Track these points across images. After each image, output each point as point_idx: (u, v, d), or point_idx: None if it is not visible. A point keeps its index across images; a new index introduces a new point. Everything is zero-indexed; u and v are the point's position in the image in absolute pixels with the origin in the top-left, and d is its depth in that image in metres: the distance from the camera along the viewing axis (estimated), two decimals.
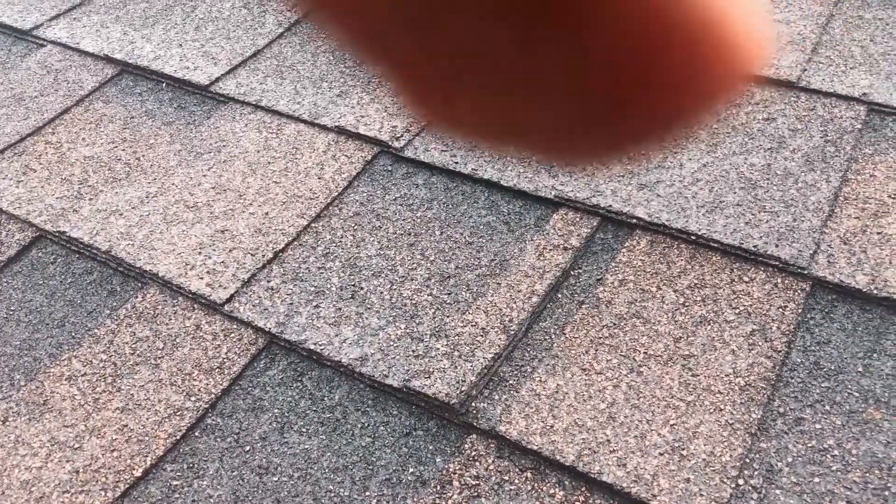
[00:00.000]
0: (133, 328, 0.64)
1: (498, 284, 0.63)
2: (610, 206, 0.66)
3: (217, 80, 0.87)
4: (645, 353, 0.56)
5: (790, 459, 0.50)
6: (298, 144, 0.78)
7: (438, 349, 0.59)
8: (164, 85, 0.89)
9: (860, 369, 0.54)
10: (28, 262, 0.72)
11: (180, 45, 0.93)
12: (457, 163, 0.73)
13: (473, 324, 0.60)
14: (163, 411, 0.58)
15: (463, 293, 0.63)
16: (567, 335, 0.58)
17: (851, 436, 0.51)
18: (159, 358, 0.61)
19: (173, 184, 0.76)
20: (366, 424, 0.56)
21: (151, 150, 0.80)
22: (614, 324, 0.59)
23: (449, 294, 0.63)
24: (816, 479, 0.49)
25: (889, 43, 0.78)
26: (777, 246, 0.61)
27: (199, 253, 0.68)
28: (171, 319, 0.64)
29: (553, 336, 0.59)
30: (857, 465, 0.49)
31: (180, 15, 0.98)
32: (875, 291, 0.57)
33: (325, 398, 0.57)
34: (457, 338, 0.59)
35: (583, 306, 0.60)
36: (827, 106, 0.73)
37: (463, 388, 0.55)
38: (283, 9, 0.96)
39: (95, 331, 0.65)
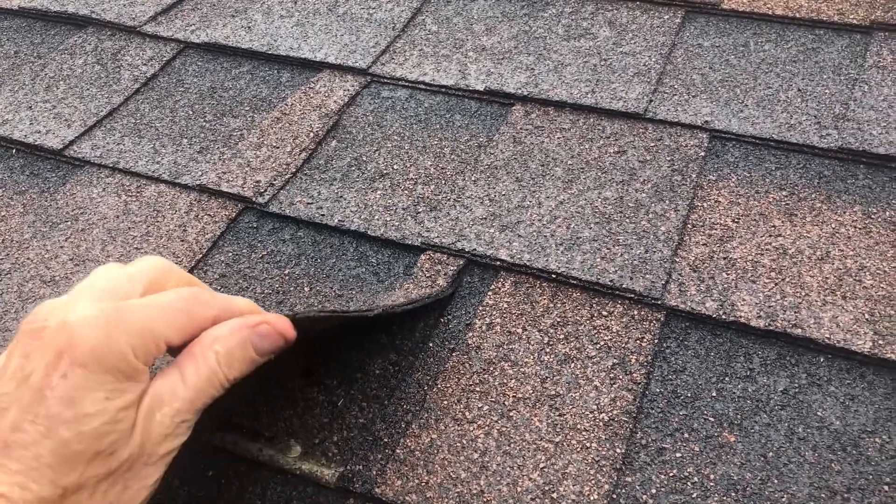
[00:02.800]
0: None
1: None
2: (474, 249, 0.68)
3: (71, 143, 0.84)
4: (514, 396, 0.58)
5: (654, 491, 0.52)
6: (159, 207, 0.76)
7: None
8: (14, 151, 0.85)
9: (714, 394, 0.57)
10: None
11: (30, 107, 0.89)
12: (323, 215, 0.73)
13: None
14: None
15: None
16: (439, 386, 0.59)
17: (709, 461, 0.53)
18: None
19: (28, 258, 0.73)
20: (241, 499, 0.55)
21: (3, 223, 0.77)
22: (484, 369, 0.60)
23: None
24: None
25: (726, 70, 0.83)
26: (632, 278, 0.64)
27: None
28: None
29: (426, 388, 0.59)
30: (714, 489, 0.52)
31: (28, 74, 0.95)
32: (724, 316, 0.61)
33: None
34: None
35: (453, 354, 0.61)
36: (673, 135, 0.76)
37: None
38: (139, 63, 0.94)
39: None
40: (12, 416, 0.42)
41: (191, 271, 0.70)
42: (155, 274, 0.50)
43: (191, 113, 0.87)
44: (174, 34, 0.97)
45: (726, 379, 0.58)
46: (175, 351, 0.48)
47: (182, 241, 0.72)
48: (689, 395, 0.57)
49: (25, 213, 0.78)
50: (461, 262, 0.67)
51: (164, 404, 0.45)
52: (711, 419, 0.56)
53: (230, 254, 0.71)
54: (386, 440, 0.56)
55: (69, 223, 0.76)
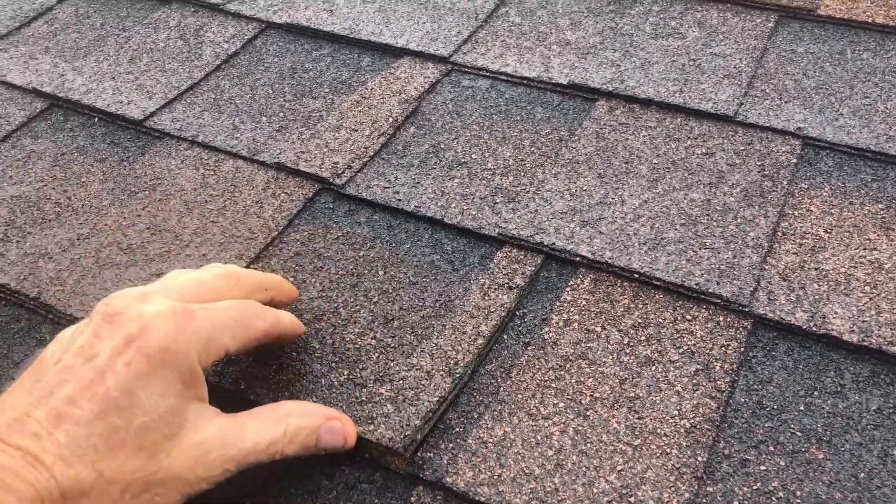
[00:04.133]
0: None
1: (443, 326, 0.62)
2: (553, 243, 0.66)
3: (152, 114, 0.85)
4: (591, 395, 0.56)
5: (736, 503, 0.50)
6: (237, 182, 0.76)
7: (382, 394, 0.57)
8: (96, 120, 0.86)
9: (802, 408, 0.55)
10: None
11: (113, 77, 0.90)
12: (399, 200, 0.72)
13: (418, 367, 0.59)
14: None
15: (407, 336, 0.62)
16: (513, 378, 0.58)
17: (795, 477, 0.51)
18: None
19: (106, 224, 0.73)
20: (310, 478, 0.54)
21: (83, 189, 0.78)
22: (560, 366, 0.58)
23: (393, 337, 0.62)
24: None
25: (820, 77, 0.80)
26: (718, 283, 0.61)
27: None
28: None
29: (499, 380, 0.58)
30: None
31: (113, 46, 0.96)
32: (814, 328, 0.58)
33: None
34: (401, 382, 0.58)
35: (528, 348, 0.60)
36: (764, 140, 0.74)
37: (407, 433, 0.54)
38: (221, 40, 0.94)
39: None
40: (71, 389, 0.43)
41: (266, 248, 0.69)
42: (225, 282, 0.54)
43: (270, 92, 0.87)
44: (256, 13, 0.98)
45: (815, 393, 0.55)
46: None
47: (258, 217, 0.72)
48: (775, 407, 0.55)
49: (105, 180, 0.78)
50: (539, 261, 0.66)
51: (222, 447, 0.47)
52: (799, 434, 0.53)
53: (305, 233, 0.71)
54: (457, 429, 0.55)
55: (147, 192, 0.76)
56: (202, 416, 0.47)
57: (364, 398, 0.57)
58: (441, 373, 0.58)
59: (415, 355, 0.60)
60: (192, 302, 0.50)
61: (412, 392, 0.57)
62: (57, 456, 0.42)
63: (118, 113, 0.85)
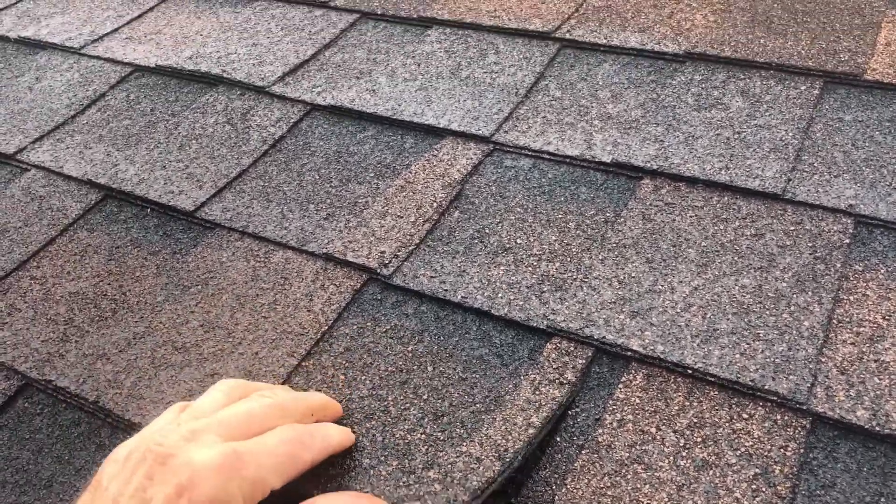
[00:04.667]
0: None
1: (493, 419, 0.62)
2: (604, 337, 0.66)
3: (203, 204, 0.87)
4: None
5: None
6: (287, 274, 0.77)
7: (430, 477, 0.57)
8: (149, 211, 0.88)
9: None
10: (14, 413, 0.70)
11: (164, 166, 0.93)
12: (446, 290, 0.73)
13: (468, 454, 0.59)
14: None
15: (457, 430, 0.62)
16: (568, 486, 0.57)
17: None
18: None
19: (161, 322, 0.75)
20: None
21: (138, 284, 0.79)
22: (616, 471, 0.57)
23: (443, 431, 0.62)
24: None
25: (870, 147, 0.79)
26: (774, 379, 0.60)
27: (189, 400, 0.67)
28: None
29: (554, 487, 0.57)
30: None
31: (163, 133, 0.98)
32: (878, 428, 0.57)
33: None
34: (450, 466, 0.58)
35: (583, 451, 0.59)
36: (814, 219, 0.73)
37: None
38: (267, 124, 0.96)
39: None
40: None
41: (317, 343, 0.70)
42: (273, 412, 0.56)
43: (317, 177, 0.88)
44: (301, 95, 1.00)
45: (881, 500, 0.54)
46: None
47: (308, 311, 0.73)
48: None
49: (158, 274, 0.80)
50: (590, 353, 0.65)
51: None
52: None
53: (355, 327, 0.72)
54: None
55: (199, 287, 0.78)
56: None
57: (411, 482, 0.57)
58: (490, 458, 0.58)
59: (464, 445, 0.60)
60: (239, 437, 0.52)
61: (460, 474, 0.57)
62: None
63: (170, 204, 0.87)
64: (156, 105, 1.04)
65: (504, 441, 0.59)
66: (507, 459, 0.58)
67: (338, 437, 0.58)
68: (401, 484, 0.57)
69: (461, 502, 0.55)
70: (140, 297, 0.78)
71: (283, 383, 0.68)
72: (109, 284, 0.80)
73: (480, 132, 0.89)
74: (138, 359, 0.71)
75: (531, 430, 0.60)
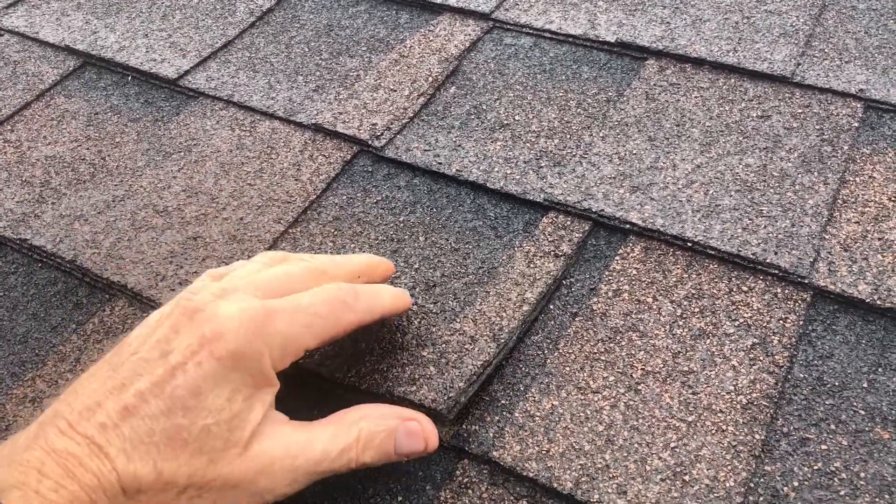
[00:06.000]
0: (101, 344, 0.61)
1: (486, 293, 0.60)
2: (602, 210, 0.64)
3: (186, 73, 0.83)
4: (643, 369, 0.54)
5: (796, 483, 0.48)
6: (273, 143, 0.74)
7: (424, 356, 0.56)
8: (129, 78, 0.84)
9: (865, 385, 0.52)
10: None
11: (146, 35, 0.88)
12: (440, 163, 0.70)
13: (461, 332, 0.57)
14: None
15: (450, 302, 0.60)
16: (561, 350, 0.56)
17: (859, 457, 0.49)
18: None
19: (141, 186, 0.72)
20: None
21: (117, 150, 0.76)
22: (610, 338, 0.56)
23: (435, 303, 0.60)
24: None
25: (884, 35, 0.76)
26: (776, 253, 0.59)
27: (171, 262, 0.64)
28: None
29: (546, 351, 0.56)
30: (865, 489, 0.47)
31: (145, 2, 0.94)
32: (878, 302, 0.55)
33: None
34: (444, 346, 0.56)
35: (576, 318, 0.58)
36: (823, 103, 0.70)
37: (451, 395, 0.52)
38: None
39: (61, 347, 0.61)
40: (142, 383, 0.43)
41: (304, 211, 0.68)
42: (315, 277, 0.51)
43: (307, 50, 0.84)
44: None
45: (879, 370, 0.53)
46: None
47: (296, 179, 0.70)
48: (836, 383, 0.52)
49: (139, 140, 0.77)
50: (587, 227, 0.63)
51: (287, 456, 0.45)
52: (862, 412, 0.51)
53: (344, 197, 0.69)
54: (503, 402, 0.53)
55: (182, 154, 0.74)
56: (270, 424, 0.45)
57: (405, 361, 0.55)
58: (485, 338, 0.56)
59: (458, 321, 0.58)
60: (275, 297, 0.47)
61: (455, 356, 0.55)
62: (120, 449, 0.41)
63: (152, 71, 0.83)
64: None
65: (498, 319, 0.57)
66: (502, 340, 0.56)
67: (390, 298, 0.52)
68: (393, 362, 0.55)
69: (458, 388, 0.53)
70: (120, 162, 0.75)
71: (268, 248, 0.65)
72: (88, 149, 0.76)
73: (480, 9, 0.85)
74: (118, 220, 0.69)
75: (525, 308, 0.58)
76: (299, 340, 0.46)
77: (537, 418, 0.52)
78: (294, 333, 0.46)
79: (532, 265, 0.61)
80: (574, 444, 0.50)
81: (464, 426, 0.52)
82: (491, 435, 0.51)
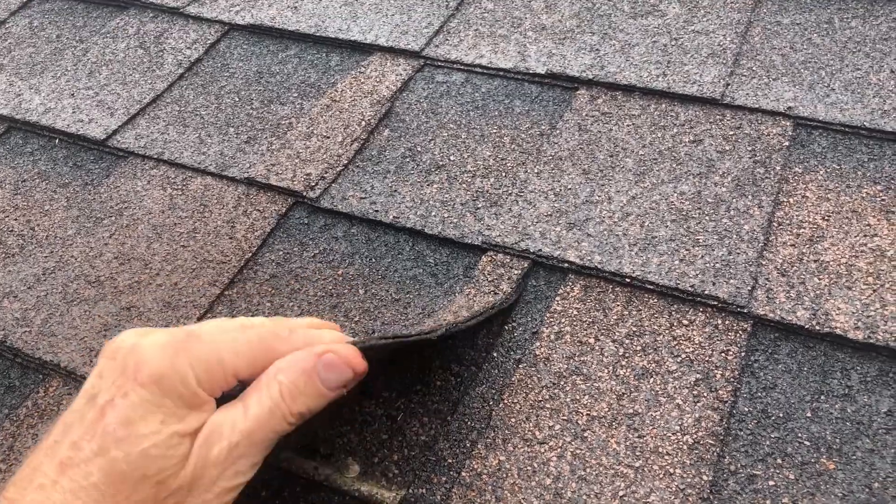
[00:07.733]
0: (35, 429, 0.59)
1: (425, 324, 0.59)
2: (540, 250, 0.63)
3: (114, 132, 0.81)
4: (588, 415, 0.53)
5: None
6: (206, 201, 0.73)
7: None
8: (56, 141, 0.82)
9: (809, 414, 0.52)
10: None
11: (72, 94, 0.86)
12: (377, 210, 0.69)
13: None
14: None
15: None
16: (506, 401, 0.55)
17: (806, 491, 0.48)
18: None
19: (72, 256, 0.70)
20: None
21: (47, 218, 0.74)
22: (554, 383, 0.55)
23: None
24: None
25: (809, 49, 0.77)
26: (714, 284, 0.59)
27: (105, 335, 0.63)
28: None
29: (491, 403, 0.55)
30: None
31: (71, 60, 0.92)
32: (817, 327, 0.55)
33: None
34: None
35: (520, 366, 0.57)
36: (753, 123, 0.71)
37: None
38: (182, 46, 0.90)
39: None
40: (75, 433, 0.42)
41: (240, 271, 0.66)
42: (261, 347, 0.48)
43: (237, 100, 0.83)
44: (218, 15, 0.93)
45: (822, 398, 0.53)
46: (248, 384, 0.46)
47: (230, 238, 0.69)
48: (781, 415, 0.52)
49: (69, 206, 0.75)
50: (526, 265, 0.63)
51: (222, 437, 0.43)
52: (807, 443, 0.51)
53: (281, 252, 0.68)
54: (450, 461, 0.52)
55: (113, 218, 0.73)
56: (205, 425, 0.44)
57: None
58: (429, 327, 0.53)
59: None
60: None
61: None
62: (62, 503, 0.40)
63: (79, 133, 0.81)
64: (62, 31, 0.97)
65: (439, 325, 0.55)
66: (447, 322, 0.53)
67: (330, 337, 0.49)
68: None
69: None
70: (50, 231, 0.73)
71: (204, 314, 0.64)
72: (16, 220, 0.74)
73: (410, 47, 0.84)
74: (48, 294, 0.67)
75: (463, 313, 0.57)
76: (226, 362, 0.44)
77: (484, 476, 0.51)
78: (219, 355, 0.44)
79: (471, 301, 0.60)
80: (522, 501, 0.49)
81: (411, 490, 0.51)
82: (438, 498, 0.50)
